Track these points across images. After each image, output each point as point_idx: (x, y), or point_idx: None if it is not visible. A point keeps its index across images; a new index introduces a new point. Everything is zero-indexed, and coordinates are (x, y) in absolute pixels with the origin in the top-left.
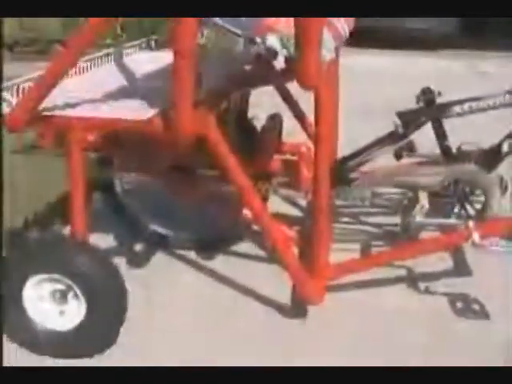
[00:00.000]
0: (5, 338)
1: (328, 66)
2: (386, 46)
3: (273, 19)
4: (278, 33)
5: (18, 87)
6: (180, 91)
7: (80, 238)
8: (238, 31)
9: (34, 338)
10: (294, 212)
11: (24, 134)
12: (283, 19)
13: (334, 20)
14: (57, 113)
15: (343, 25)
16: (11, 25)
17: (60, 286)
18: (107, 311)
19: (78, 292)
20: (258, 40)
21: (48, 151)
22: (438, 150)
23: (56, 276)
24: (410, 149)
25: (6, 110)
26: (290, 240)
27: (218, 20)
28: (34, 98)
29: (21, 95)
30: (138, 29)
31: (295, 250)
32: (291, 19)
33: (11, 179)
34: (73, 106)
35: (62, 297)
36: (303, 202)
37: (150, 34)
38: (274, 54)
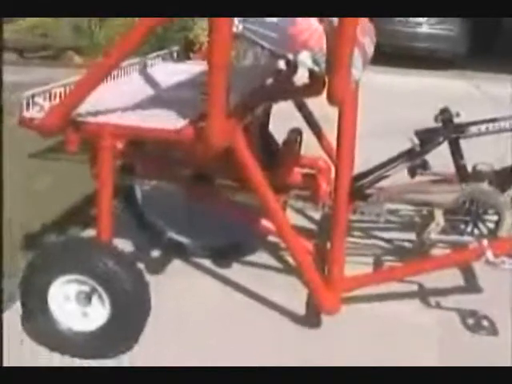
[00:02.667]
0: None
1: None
2: (393, 63)
3: (306, 36)
4: (310, 50)
5: (50, 93)
6: (214, 103)
7: (107, 242)
8: (272, 47)
9: (58, 339)
10: (308, 224)
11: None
12: (315, 36)
13: (361, 38)
14: (89, 119)
15: (369, 44)
16: (22, 30)
17: (85, 288)
18: (131, 314)
19: (103, 294)
20: (290, 56)
21: (64, 156)
22: (451, 169)
23: (81, 278)
24: (424, 167)
25: (37, 114)
26: (309, 252)
27: (251, 35)
28: (69, 104)
29: (53, 100)
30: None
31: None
32: (323, 37)
33: (28, 183)
34: (103, 113)
35: (86, 298)
36: (317, 215)
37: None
38: (293, 69)
